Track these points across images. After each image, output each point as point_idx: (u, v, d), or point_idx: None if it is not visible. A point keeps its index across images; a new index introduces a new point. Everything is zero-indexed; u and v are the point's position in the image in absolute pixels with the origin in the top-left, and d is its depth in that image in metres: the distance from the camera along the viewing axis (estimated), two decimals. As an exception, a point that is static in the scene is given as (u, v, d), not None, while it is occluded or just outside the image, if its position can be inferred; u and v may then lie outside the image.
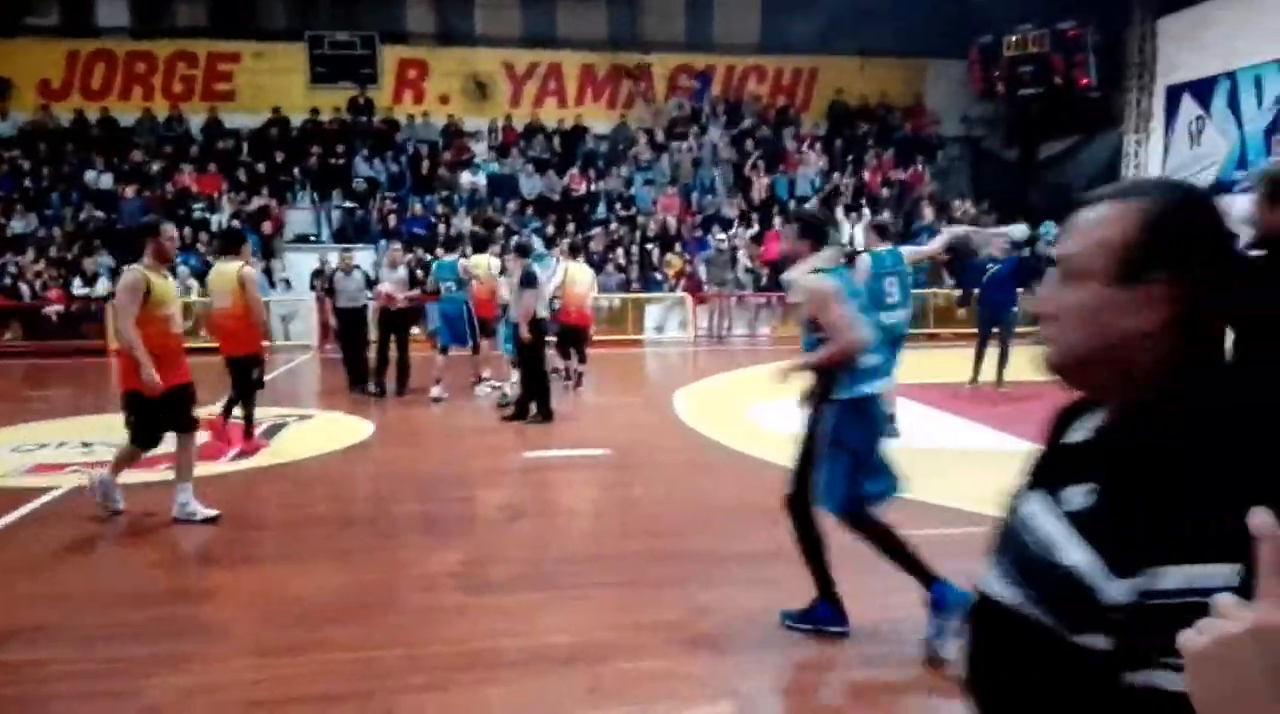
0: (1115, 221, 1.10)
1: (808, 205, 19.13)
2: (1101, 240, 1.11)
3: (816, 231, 4.29)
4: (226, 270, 8.06)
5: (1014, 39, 18.98)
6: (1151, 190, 1.12)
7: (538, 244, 17.59)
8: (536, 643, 4.15)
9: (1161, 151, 17.94)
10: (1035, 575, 1.06)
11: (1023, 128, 20.85)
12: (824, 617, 4.19)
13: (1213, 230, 1.10)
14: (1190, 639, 0.78)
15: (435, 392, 10.72)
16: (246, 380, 8.11)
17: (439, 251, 17.26)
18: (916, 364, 13.37)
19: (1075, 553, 1.02)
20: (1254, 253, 3.11)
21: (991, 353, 10.69)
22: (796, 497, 4.16)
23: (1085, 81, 18.26)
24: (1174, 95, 17.61)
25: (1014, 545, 1.11)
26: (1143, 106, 18.27)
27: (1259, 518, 0.75)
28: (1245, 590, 0.91)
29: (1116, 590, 0.98)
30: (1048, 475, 1.13)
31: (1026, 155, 21.06)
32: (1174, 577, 0.95)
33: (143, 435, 5.96)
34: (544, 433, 9.05)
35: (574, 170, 20.09)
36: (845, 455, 4.02)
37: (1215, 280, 1.08)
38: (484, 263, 11.37)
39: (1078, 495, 1.04)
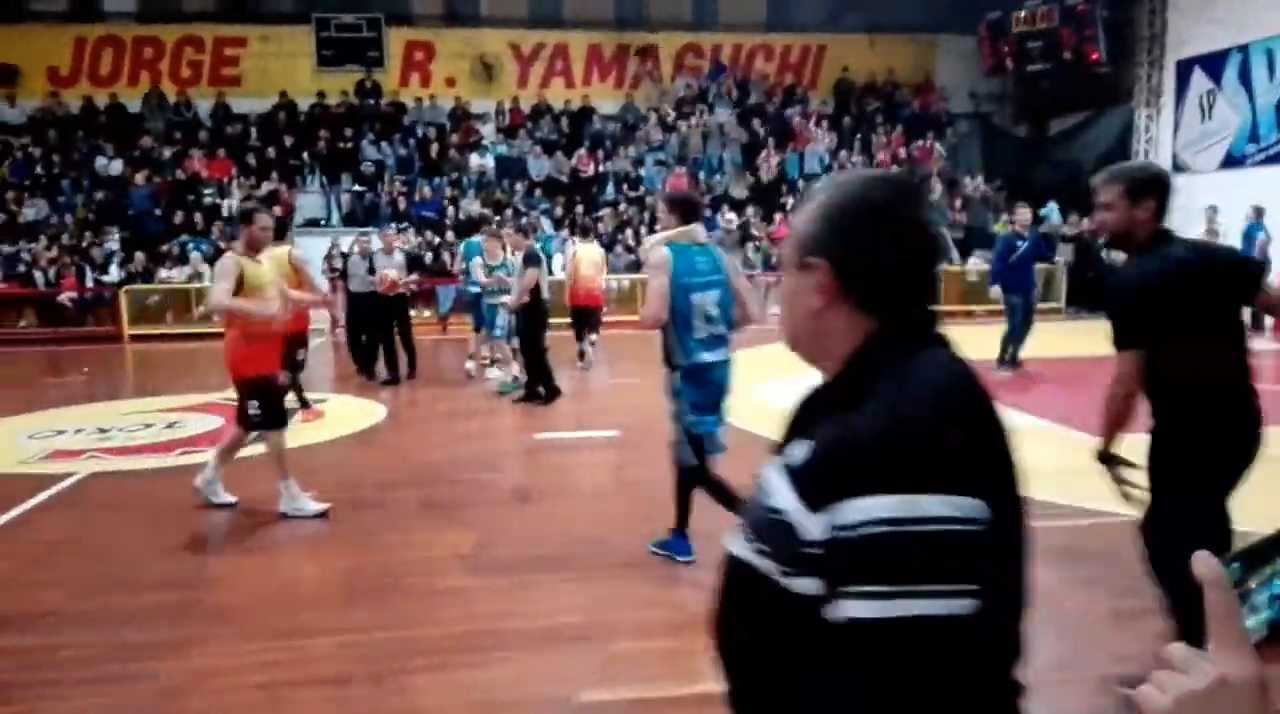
0: (802, 213, 1.27)
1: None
2: (792, 231, 1.28)
3: (683, 209, 4.79)
4: (276, 254, 8.26)
5: (1023, 14, 18.82)
6: (841, 184, 1.28)
7: (546, 226, 17.61)
8: (544, 624, 4.20)
9: (1172, 126, 17.80)
10: (758, 525, 1.15)
11: (1032, 104, 20.71)
12: (677, 547, 4.89)
13: (883, 221, 1.23)
14: (1151, 698, 0.77)
15: (469, 366, 11.26)
16: (291, 357, 8.32)
17: (449, 234, 17.32)
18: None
19: (784, 496, 1.11)
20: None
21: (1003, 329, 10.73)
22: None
23: (1095, 56, 18.10)
24: (1184, 69, 17.45)
25: (750, 504, 1.18)
26: (1153, 81, 18.11)
27: (1203, 563, 0.76)
28: (909, 521, 1.02)
29: (813, 526, 1.07)
30: (787, 440, 1.23)
31: (1036, 131, 20.93)
32: (853, 510, 1.04)
33: (272, 417, 5.96)
34: (553, 415, 9.09)
35: (582, 151, 20.05)
36: (697, 413, 4.72)
37: (868, 266, 1.22)
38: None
39: (798, 450, 1.13)
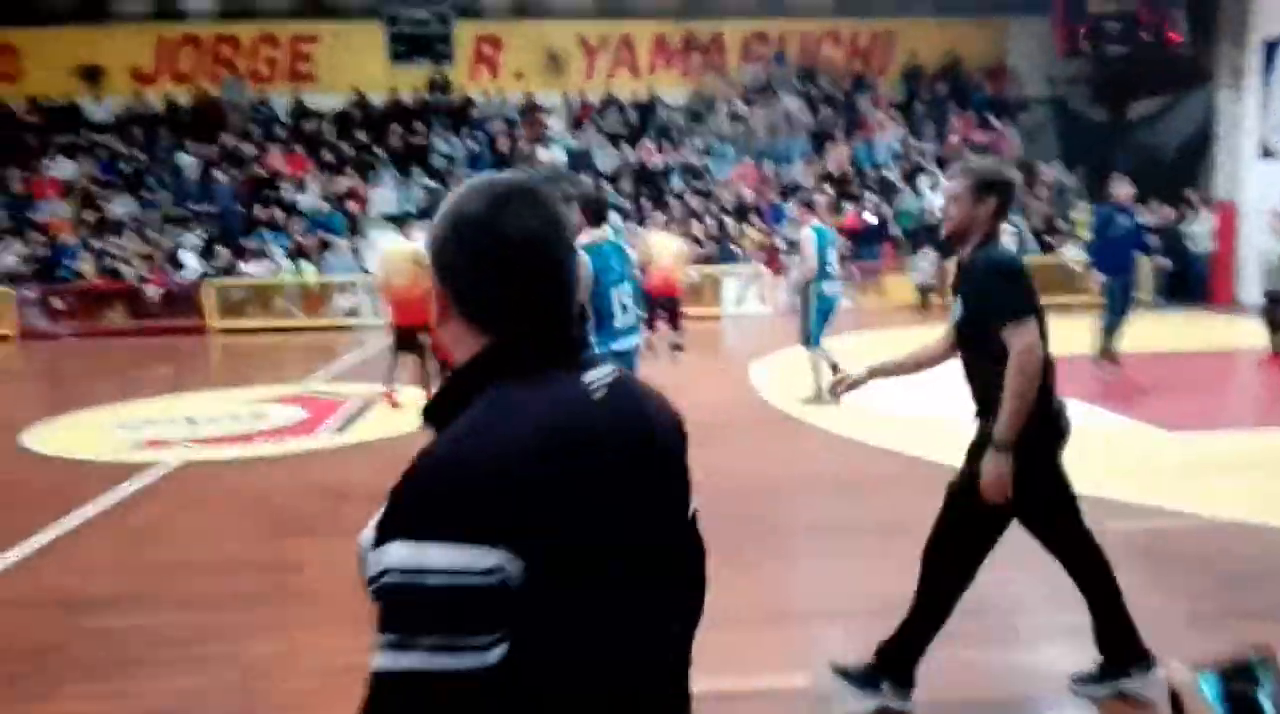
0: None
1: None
2: None
3: (593, 210, 5.16)
4: (403, 250, 8.69)
5: (1099, -7, 18.32)
6: (456, 192, 1.26)
7: (615, 218, 17.71)
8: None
9: (1256, 109, 17.18)
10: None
11: (1111, 87, 20.15)
12: None
13: (477, 234, 1.19)
14: None
15: None
16: (415, 344, 8.81)
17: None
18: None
19: (369, 527, 1.13)
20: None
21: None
22: None
23: (1176, 37, 17.56)
24: (1271, 49, 16.81)
25: None
26: (1237, 62, 17.49)
27: (1177, 672, 0.78)
28: (417, 572, 1.01)
29: (372, 564, 1.07)
30: None
31: (1116, 115, 20.37)
32: (389, 553, 1.04)
33: None
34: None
35: (648, 142, 20.09)
36: None
37: (463, 280, 1.20)
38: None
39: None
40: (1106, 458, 6.58)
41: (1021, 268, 3.21)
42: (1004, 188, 3.21)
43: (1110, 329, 9.49)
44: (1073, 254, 16.78)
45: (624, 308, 5.12)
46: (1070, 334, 11.11)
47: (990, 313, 3.12)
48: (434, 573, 1.01)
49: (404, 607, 1.02)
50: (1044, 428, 3.15)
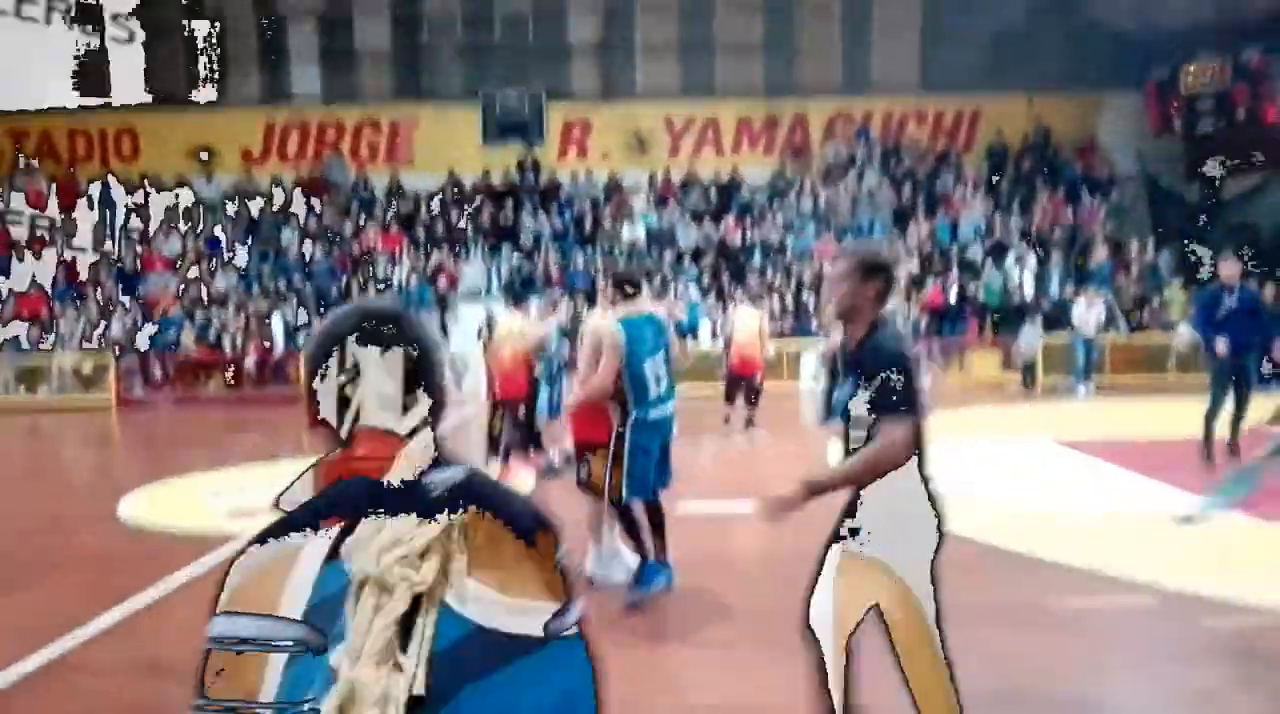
0: None
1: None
2: None
3: (623, 286, 5.53)
4: (513, 323, 8.95)
5: (1192, 70, 18.09)
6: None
7: (693, 293, 17.89)
8: (683, 701, 4.27)
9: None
10: None
11: (1204, 164, 19.75)
12: (649, 577, 5.43)
13: (326, 349, 1.36)
14: None
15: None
16: (517, 414, 8.92)
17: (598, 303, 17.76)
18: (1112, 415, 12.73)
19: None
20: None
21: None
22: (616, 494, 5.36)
23: (1273, 114, 17.21)
24: (1375, 125, 16.39)
25: None
26: (1339, 138, 17.06)
27: None
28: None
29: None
30: None
31: (1209, 193, 19.92)
32: (211, 625, 1.18)
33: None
34: (695, 484, 9.15)
35: (730, 219, 20.31)
36: (645, 457, 5.35)
37: (311, 387, 1.38)
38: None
39: None
40: (1204, 551, 6.37)
41: (910, 360, 3.21)
42: (887, 271, 3.30)
43: (1211, 416, 8.98)
44: (1184, 333, 16.04)
45: (658, 378, 5.34)
46: (1161, 416, 10.87)
47: (873, 400, 3.14)
48: (242, 642, 1.19)
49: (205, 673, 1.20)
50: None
